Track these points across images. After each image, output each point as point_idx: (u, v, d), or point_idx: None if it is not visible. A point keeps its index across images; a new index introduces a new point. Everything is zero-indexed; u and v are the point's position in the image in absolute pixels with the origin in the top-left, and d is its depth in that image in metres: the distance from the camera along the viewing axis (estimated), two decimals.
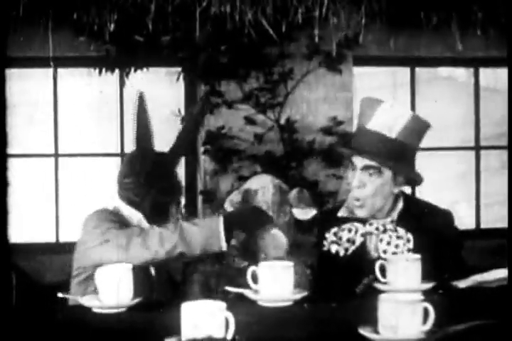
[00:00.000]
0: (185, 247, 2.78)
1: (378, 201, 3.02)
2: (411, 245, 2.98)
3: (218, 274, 3.18)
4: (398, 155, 2.98)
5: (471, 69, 5.90)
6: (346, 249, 3.05)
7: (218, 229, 2.79)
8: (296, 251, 3.15)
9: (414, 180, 3.09)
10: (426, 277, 2.72)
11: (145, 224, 3.13)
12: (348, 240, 3.05)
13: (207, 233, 2.79)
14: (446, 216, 3.13)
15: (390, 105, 3.02)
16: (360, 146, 3.02)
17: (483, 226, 5.91)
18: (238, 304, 2.51)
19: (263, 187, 3.14)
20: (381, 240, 3.01)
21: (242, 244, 2.99)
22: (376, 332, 2.17)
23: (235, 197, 3.12)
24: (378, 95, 5.75)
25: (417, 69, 5.80)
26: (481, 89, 5.92)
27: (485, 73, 5.91)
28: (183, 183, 5.49)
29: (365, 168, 2.99)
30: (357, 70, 5.60)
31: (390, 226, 3.02)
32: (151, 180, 3.16)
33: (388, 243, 3.00)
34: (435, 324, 2.15)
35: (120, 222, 3.04)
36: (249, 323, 2.29)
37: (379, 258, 2.97)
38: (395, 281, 2.70)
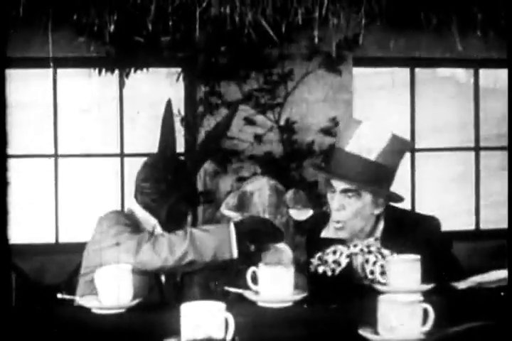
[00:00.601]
0: (196, 254, 2.76)
1: (359, 222, 2.98)
2: None
3: (217, 276, 3.18)
4: (377, 178, 2.93)
5: (471, 70, 5.90)
6: (333, 270, 3.02)
7: (230, 236, 2.76)
8: (294, 251, 3.15)
9: (394, 201, 3.05)
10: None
11: (159, 230, 3.11)
12: (334, 261, 3.03)
13: (218, 240, 2.76)
14: (430, 223, 3.07)
15: (368, 126, 2.95)
16: (338, 170, 2.96)
17: (482, 226, 5.91)
18: (238, 305, 2.51)
19: (259, 189, 3.13)
20: (367, 261, 2.99)
21: (246, 255, 2.97)
22: (376, 332, 2.17)
23: (231, 200, 3.11)
24: (378, 96, 5.81)
25: (417, 70, 5.80)
26: (481, 89, 5.92)
27: (485, 74, 5.91)
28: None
29: (344, 191, 2.95)
30: (356, 71, 5.60)
31: (373, 248, 2.99)
32: (171, 187, 3.13)
33: (374, 263, 2.97)
34: (435, 325, 2.15)
35: (134, 225, 3.01)
36: (249, 324, 2.29)
37: (366, 278, 2.96)
38: (395, 282, 2.70)
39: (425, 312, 2.16)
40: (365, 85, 5.74)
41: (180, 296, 3.15)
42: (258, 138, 5.32)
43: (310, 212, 3.10)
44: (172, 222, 3.11)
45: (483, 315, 2.34)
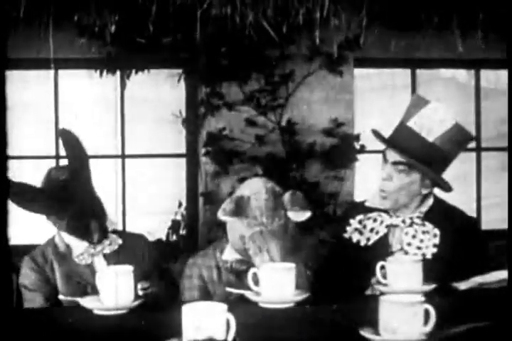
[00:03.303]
0: None
1: (403, 197, 3.03)
2: (437, 240, 2.98)
3: (217, 279, 3.17)
4: (430, 159, 2.98)
5: (472, 71, 5.90)
6: (368, 239, 3.06)
7: None
8: (296, 252, 3.15)
9: (441, 187, 3.09)
10: (446, 275, 2.74)
11: (76, 244, 3.20)
12: (372, 230, 3.06)
13: None
14: (472, 222, 3.16)
15: (435, 108, 3.01)
16: (395, 141, 3.03)
17: (483, 227, 5.91)
18: (239, 305, 2.51)
19: (256, 193, 3.11)
20: (406, 233, 3.01)
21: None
22: (377, 333, 2.17)
23: (228, 205, 3.09)
24: (379, 97, 5.80)
25: (418, 71, 5.80)
26: (482, 90, 5.91)
27: (486, 75, 5.91)
28: (185, 185, 5.52)
29: (395, 163, 3.00)
30: (358, 72, 5.60)
31: (417, 220, 3.03)
32: (62, 203, 3.16)
33: (413, 236, 3.00)
34: (436, 325, 2.15)
35: (47, 260, 3.19)
36: (251, 325, 2.29)
37: (401, 249, 2.99)
38: (396, 283, 2.70)
39: (426, 312, 2.15)
40: (366, 86, 5.74)
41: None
42: (259, 139, 5.32)
43: (308, 214, 3.10)
44: (78, 231, 3.17)
45: (485, 315, 2.34)
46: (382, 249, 3.02)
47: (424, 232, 3.00)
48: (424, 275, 2.72)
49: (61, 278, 3.14)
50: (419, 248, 2.98)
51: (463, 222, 3.09)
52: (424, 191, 3.05)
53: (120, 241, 3.24)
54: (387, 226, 3.05)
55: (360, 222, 3.10)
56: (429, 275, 2.73)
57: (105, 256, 3.18)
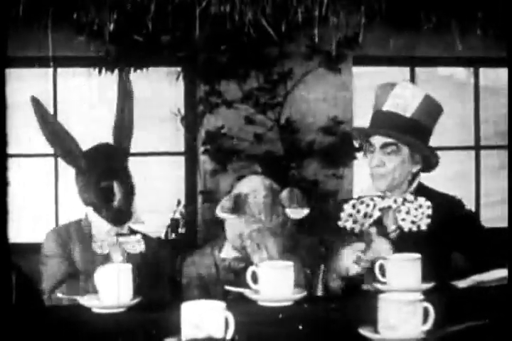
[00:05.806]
0: None
1: (397, 177, 3.06)
2: (430, 211, 3.01)
3: (216, 277, 3.18)
4: (413, 132, 3.04)
5: (471, 69, 5.90)
6: (362, 225, 3.07)
7: None
8: (294, 250, 3.15)
9: (430, 162, 3.11)
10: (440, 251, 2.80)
11: (104, 226, 3.22)
12: (365, 215, 3.08)
13: None
14: (458, 202, 3.17)
15: (404, 86, 3.08)
16: (376, 126, 3.07)
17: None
18: (238, 304, 2.51)
19: (254, 190, 3.12)
20: (399, 211, 3.03)
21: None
22: (376, 331, 2.17)
23: (226, 203, 3.10)
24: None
25: (417, 69, 5.80)
26: (481, 88, 5.91)
27: (485, 73, 5.91)
28: (184, 183, 5.52)
29: (383, 146, 3.03)
30: (356, 70, 5.60)
31: (409, 198, 3.05)
32: (93, 172, 3.22)
33: (407, 212, 3.03)
34: (435, 324, 2.15)
35: (70, 237, 3.23)
36: (249, 323, 2.29)
37: (398, 228, 3.00)
38: (395, 281, 2.70)
39: (425, 311, 2.16)
40: (365, 84, 5.74)
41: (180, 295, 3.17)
42: (258, 137, 5.32)
43: (306, 211, 3.11)
44: (107, 208, 3.25)
45: (483, 314, 2.34)
46: (378, 231, 3.03)
47: (416, 208, 3.04)
48: (421, 268, 2.73)
49: (80, 257, 3.16)
50: (413, 222, 3.01)
51: (450, 202, 3.13)
52: (414, 168, 3.09)
53: (143, 246, 3.25)
54: (381, 210, 3.07)
55: (353, 206, 3.12)
56: (424, 250, 2.74)
57: (128, 255, 3.18)
